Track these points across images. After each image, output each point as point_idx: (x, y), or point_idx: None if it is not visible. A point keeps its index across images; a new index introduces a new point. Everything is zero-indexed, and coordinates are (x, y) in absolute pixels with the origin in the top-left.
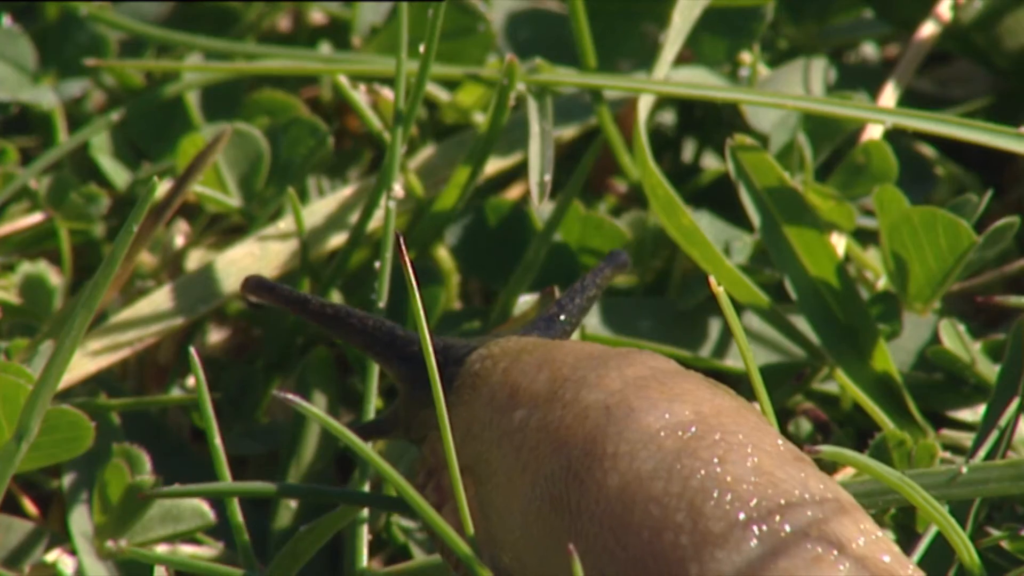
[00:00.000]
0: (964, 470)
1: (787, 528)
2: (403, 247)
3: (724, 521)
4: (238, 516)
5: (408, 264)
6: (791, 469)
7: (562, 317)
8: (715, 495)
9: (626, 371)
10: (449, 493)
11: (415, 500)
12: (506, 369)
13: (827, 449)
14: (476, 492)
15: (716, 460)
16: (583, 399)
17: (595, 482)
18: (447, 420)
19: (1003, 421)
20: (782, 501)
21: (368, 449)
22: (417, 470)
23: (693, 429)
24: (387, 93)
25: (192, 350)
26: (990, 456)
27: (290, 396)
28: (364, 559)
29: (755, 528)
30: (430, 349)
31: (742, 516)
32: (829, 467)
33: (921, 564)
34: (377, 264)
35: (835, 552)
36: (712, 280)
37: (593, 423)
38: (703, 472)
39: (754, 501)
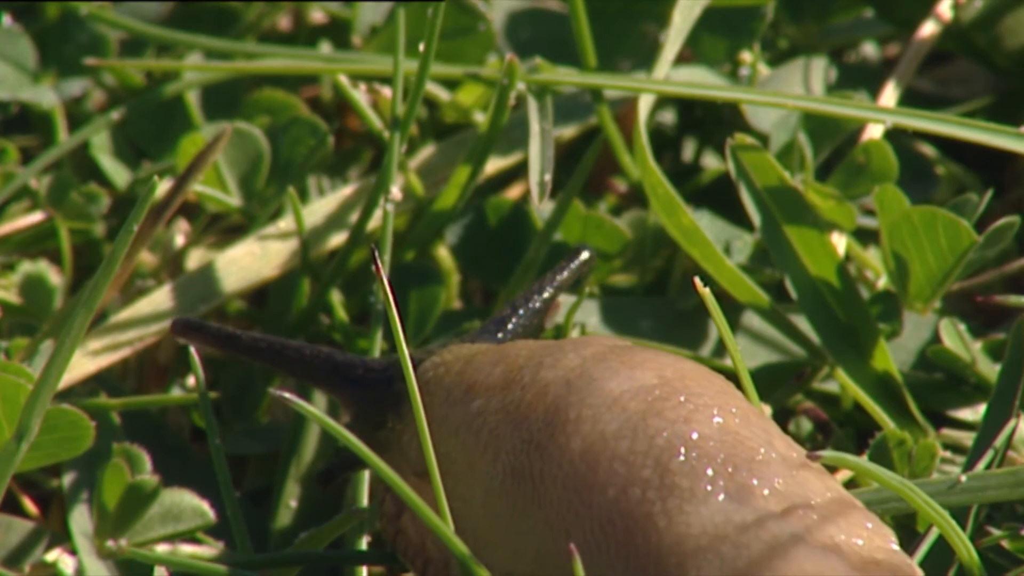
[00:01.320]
0: (963, 479)
1: (754, 483)
2: (378, 262)
3: (691, 476)
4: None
5: (384, 280)
6: (756, 428)
7: (513, 321)
8: (682, 451)
9: (583, 351)
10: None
11: (414, 502)
12: (460, 371)
13: (829, 454)
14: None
15: (682, 419)
16: (542, 378)
17: (558, 447)
18: (426, 428)
19: (1003, 421)
20: (749, 457)
21: (365, 449)
22: (374, 486)
23: (657, 392)
24: (387, 92)
25: (192, 350)
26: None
27: (287, 395)
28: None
29: (723, 482)
30: (409, 364)
31: (710, 471)
32: (829, 469)
33: (922, 564)
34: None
35: (802, 506)
36: (697, 281)
37: (554, 395)
38: (669, 431)
39: (721, 457)
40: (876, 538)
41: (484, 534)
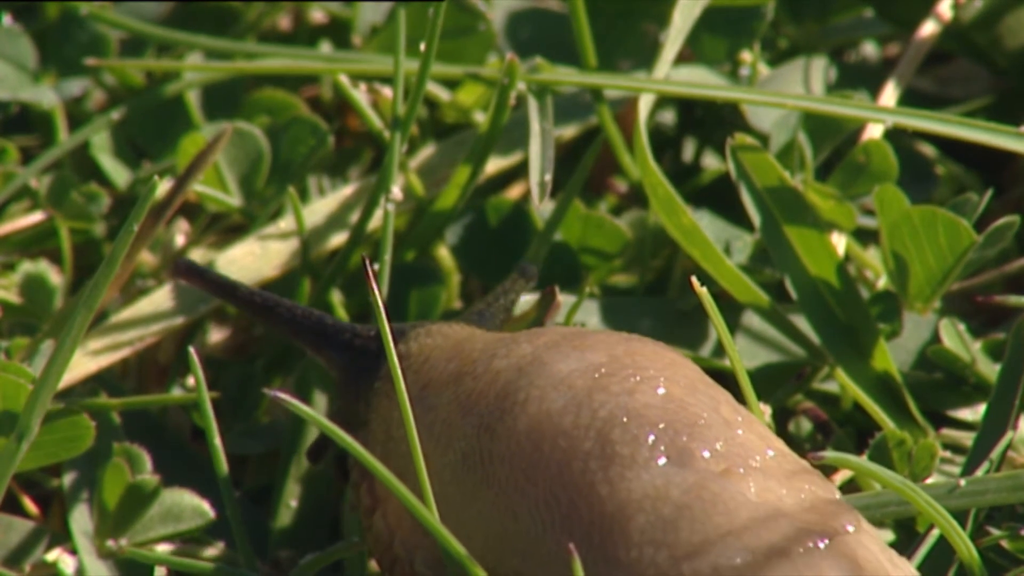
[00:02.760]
0: (962, 483)
1: (695, 446)
2: (370, 272)
3: (633, 444)
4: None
5: (376, 292)
6: (702, 396)
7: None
8: (624, 421)
9: (537, 340)
10: (381, 496)
11: (414, 504)
12: (417, 370)
13: (831, 455)
14: (398, 502)
15: (626, 392)
16: (494, 367)
17: (505, 428)
18: (411, 417)
19: (1003, 421)
20: (691, 423)
21: (361, 449)
22: (351, 464)
23: (604, 369)
24: (388, 92)
25: (192, 350)
26: (989, 457)
27: (282, 395)
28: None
29: (663, 447)
30: (395, 360)
31: (651, 438)
32: (829, 468)
33: (922, 564)
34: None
35: (743, 466)
36: (694, 280)
37: (504, 380)
38: (612, 403)
39: (663, 424)
40: (819, 491)
41: (454, 531)
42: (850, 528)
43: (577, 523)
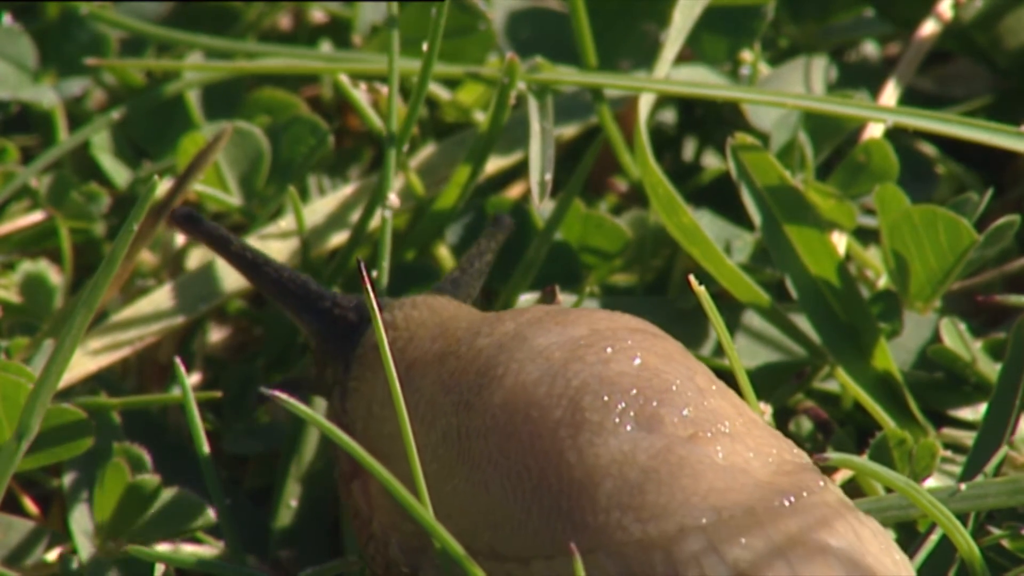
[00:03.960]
0: (963, 487)
1: (664, 411)
2: (365, 271)
3: (602, 411)
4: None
5: (372, 297)
6: (678, 366)
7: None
8: (595, 389)
9: (520, 318)
10: (363, 470)
11: (414, 506)
12: (402, 348)
13: (835, 456)
14: (378, 481)
15: (601, 362)
16: (477, 345)
17: (482, 403)
18: (409, 430)
19: (1004, 420)
20: (663, 389)
21: (358, 448)
22: (337, 452)
23: (583, 341)
24: (396, 93)
25: (178, 360)
26: (990, 457)
27: (280, 395)
28: None
29: (633, 413)
30: (391, 368)
31: (621, 405)
32: (830, 468)
33: (923, 565)
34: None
35: (711, 430)
36: (692, 279)
37: (485, 357)
38: (587, 372)
39: (634, 391)
40: (785, 454)
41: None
42: (817, 486)
43: (547, 492)
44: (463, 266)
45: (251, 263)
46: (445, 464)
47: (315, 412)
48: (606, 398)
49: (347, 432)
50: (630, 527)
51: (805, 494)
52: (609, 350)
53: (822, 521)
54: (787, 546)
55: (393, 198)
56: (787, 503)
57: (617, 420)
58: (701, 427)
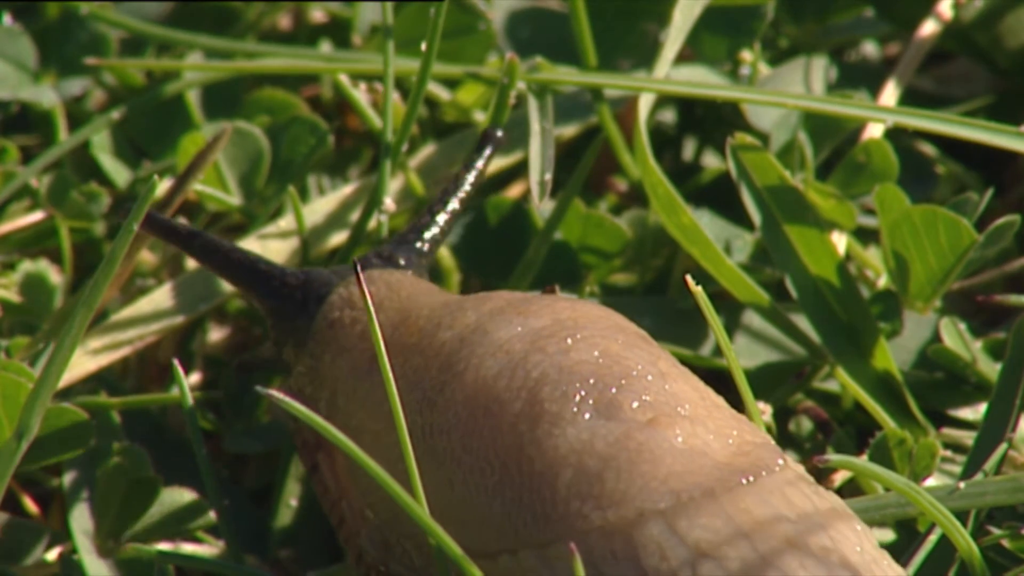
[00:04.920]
0: (962, 486)
1: (623, 397)
2: (360, 273)
3: (560, 401)
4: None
5: (367, 295)
6: (640, 352)
7: (433, 230)
8: (554, 379)
9: (482, 308)
10: (326, 444)
11: (415, 510)
12: (363, 333)
13: (835, 458)
14: (345, 459)
15: (562, 351)
16: (439, 339)
17: (444, 400)
18: (402, 421)
19: (1004, 420)
20: (623, 375)
21: (355, 447)
22: (297, 425)
23: (544, 332)
24: (391, 91)
25: (176, 362)
26: (989, 456)
27: (276, 394)
28: None
29: (592, 401)
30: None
31: (580, 394)
32: (830, 471)
33: (923, 564)
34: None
35: (671, 414)
36: (689, 279)
37: (447, 352)
38: (547, 363)
39: (593, 379)
40: (746, 435)
41: (391, 505)
42: (776, 464)
43: (509, 485)
44: (430, 212)
45: (203, 248)
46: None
47: (309, 411)
48: (565, 388)
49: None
50: (590, 515)
51: (764, 473)
52: (570, 340)
53: (781, 498)
54: (746, 524)
55: (389, 202)
56: (745, 482)
57: (575, 409)
58: (660, 411)
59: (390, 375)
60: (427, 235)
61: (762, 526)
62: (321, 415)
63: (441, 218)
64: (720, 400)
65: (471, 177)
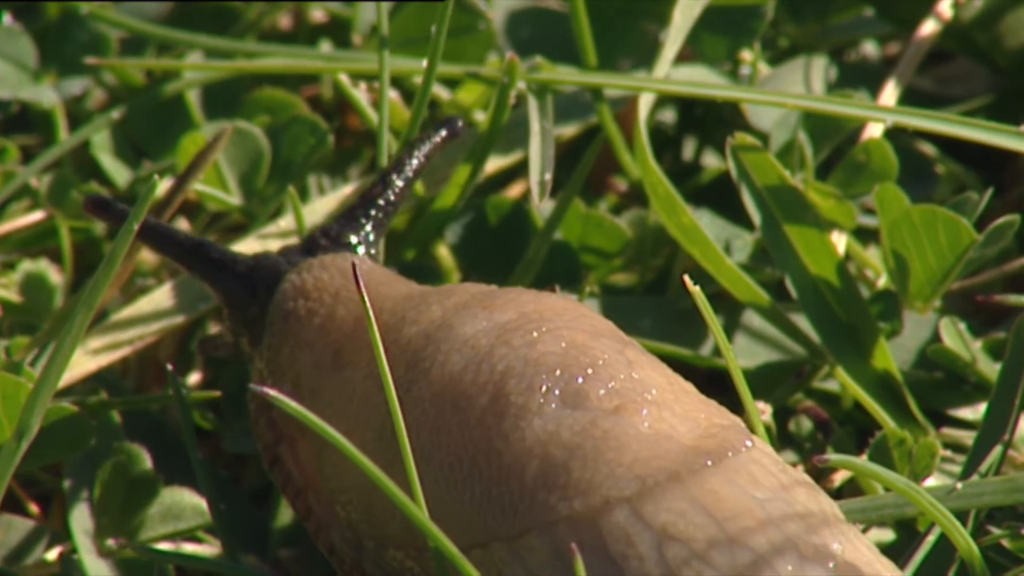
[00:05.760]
0: (959, 486)
1: (589, 387)
2: (358, 274)
3: (526, 393)
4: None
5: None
6: (607, 341)
7: (384, 200)
8: (519, 371)
9: (447, 302)
10: (287, 433)
11: (416, 516)
12: (322, 326)
13: (835, 458)
14: (313, 451)
15: (528, 344)
16: (404, 336)
17: (412, 399)
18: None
19: (1003, 420)
20: (589, 364)
21: (351, 447)
22: (249, 397)
23: (510, 326)
24: (388, 91)
25: (169, 367)
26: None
27: (271, 392)
28: None
29: (558, 391)
30: (379, 344)
31: (545, 385)
32: (828, 472)
33: (922, 564)
34: None
35: (638, 400)
36: (687, 278)
37: (413, 349)
38: (512, 356)
39: (559, 371)
40: (715, 418)
41: (364, 504)
42: (744, 445)
43: (478, 480)
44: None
45: (160, 238)
46: (382, 463)
47: (303, 409)
48: (531, 380)
49: (267, 411)
50: (557, 506)
51: (730, 454)
52: (535, 333)
53: (748, 478)
54: (712, 505)
55: None
56: (711, 464)
57: (542, 400)
58: (627, 398)
59: (391, 386)
60: (375, 213)
61: (728, 506)
62: (283, 412)
63: (390, 194)
64: (689, 386)
65: (420, 154)
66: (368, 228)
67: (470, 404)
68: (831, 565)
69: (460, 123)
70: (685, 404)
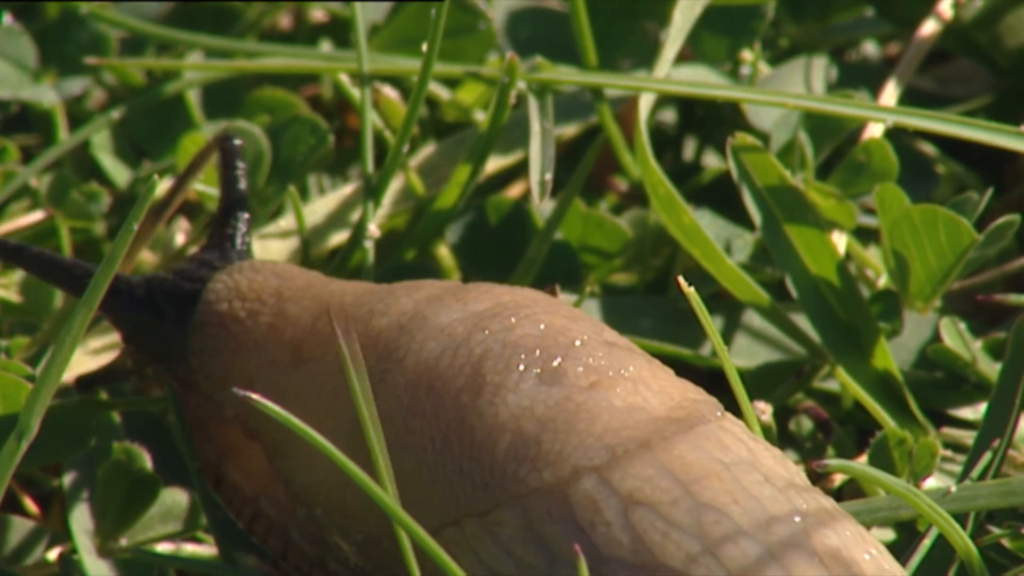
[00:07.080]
0: (953, 489)
1: (567, 364)
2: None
3: (503, 372)
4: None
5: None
6: (584, 324)
7: (234, 224)
8: (497, 353)
9: (416, 295)
10: (225, 447)
11: (411, 525)
12: (272, 325)
13: (834, 462)
14: (269, 453)
15: (506, 328)
16: (374, 327)
17: (386, 388)
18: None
19: (1004, 420)
20: (566, 345)
21: (341, 455)
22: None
23: (487, 314)
24: (388, 91)
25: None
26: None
27: (252, 395)
28: None
29: (536, 370)
30: (358, 349)
31: (523, 365)
32: (826, 475)
33: (922, 564)
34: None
35: (612, 377)
36: (681, 280)
37: (385, 340)
38: (490, 340)
39: (538, 352)
40: (689, 393)
41: (334, 501)
42: (714, 415)
43: (450, 457)
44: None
45: (45, 266)
46: (355, 454)
47: (285, 413)
48: (508, 360)
49: (203, 424)
50: (527, 478)
51: (700, 425)
52: (513, 319)
53: (717, 444)
54: (679, 469)
55: (373, 228)
56: (680, 432)
57: (518, 379)
58: (603, 374)
59: (365, 394)
60: (236, 238)
61: (696, 470)
62: (228, 418)
63: (235, 221)
64: (668, 369)
65: (231, 181)
66: (238, 242)
67: (446, 386)
68: (797, 520)
69: (237, 141)
70: (662, 380)
